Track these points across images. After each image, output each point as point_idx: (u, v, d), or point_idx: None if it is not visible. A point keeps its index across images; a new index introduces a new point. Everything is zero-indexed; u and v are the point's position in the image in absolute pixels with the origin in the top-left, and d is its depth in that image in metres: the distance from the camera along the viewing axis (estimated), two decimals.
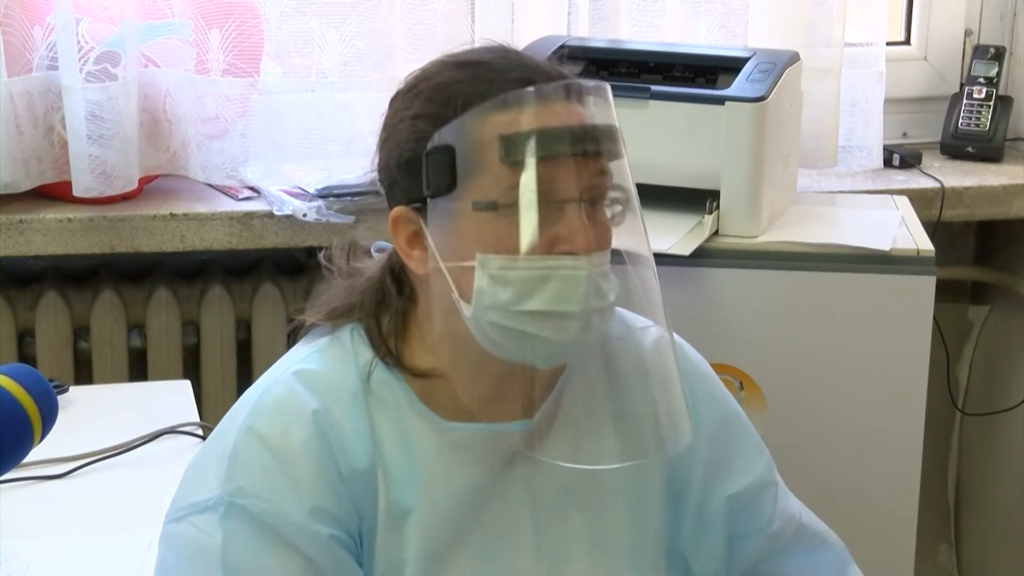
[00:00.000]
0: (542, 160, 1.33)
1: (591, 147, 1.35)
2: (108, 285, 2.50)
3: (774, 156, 2.28)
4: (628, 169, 1.40)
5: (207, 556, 1.38)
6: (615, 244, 1.39)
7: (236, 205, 2.46)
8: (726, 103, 2.23)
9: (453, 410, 1.43)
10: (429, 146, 1.36)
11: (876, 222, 2.34)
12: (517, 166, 1.34)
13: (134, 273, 2.55)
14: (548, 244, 1.34)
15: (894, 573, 2.28)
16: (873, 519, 2.24)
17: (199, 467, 1.44)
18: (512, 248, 1.34)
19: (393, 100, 1.44)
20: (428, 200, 1.37)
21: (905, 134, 2.89)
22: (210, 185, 2.51)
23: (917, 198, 2.56)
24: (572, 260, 1.34)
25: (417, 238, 1.40)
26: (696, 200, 2.26)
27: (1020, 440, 2.88)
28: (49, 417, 1.36)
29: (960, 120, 2.82)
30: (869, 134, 2.73)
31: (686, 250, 2.16)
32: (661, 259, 2.08)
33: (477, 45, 1.47)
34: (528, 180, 1.33)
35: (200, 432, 1.98)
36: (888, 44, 2.74)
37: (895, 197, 2.50)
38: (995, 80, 2.81)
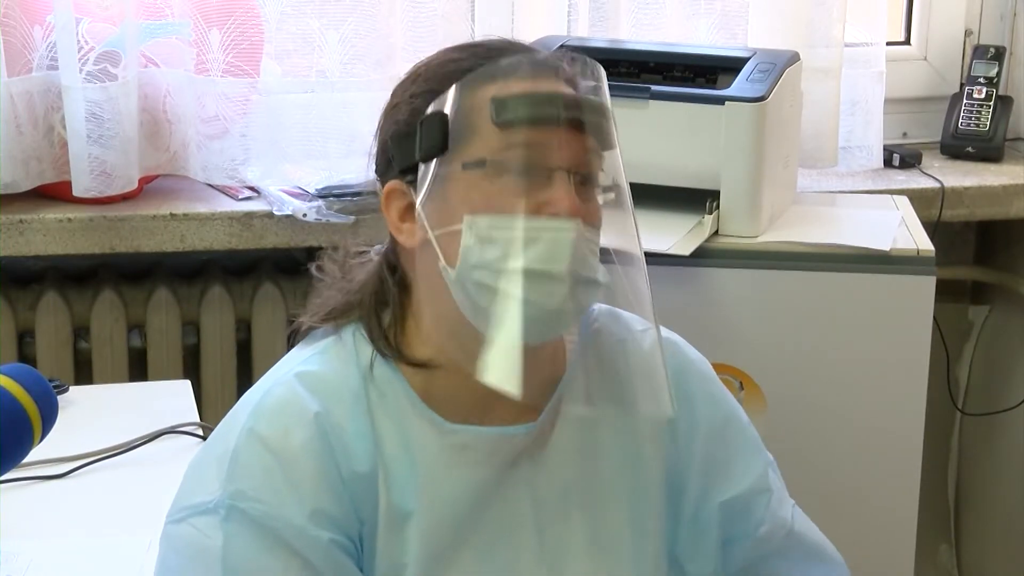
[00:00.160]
0: (532, 122, 1.35)
1: (582, 117, 1.36)
2: (108, 285, 2.50)
3: (774, 156, 2.28)
4: (621, 164, 1.41)
5: (208, 558, 1.38)
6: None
7: (236, 205, 2.45)
8: (726, 103, 2.23)
9: (455, 410, 1.43)
10: (423, 116, 1.38)
11: (876, 222, 2.34)
12: (507, 127, 1.35)
13: (134, 273, 2.55)
14: (535, 207, 1.34)
15: (894, 573, 2.28)
16: (873, 519, 2.24)
17: (200, 467, 1.44)
18: (500, 208, 1.34)
19: (394, 90, 1.45)
20: (420, 168, 1.38)
21: (905, 134, 2.89)
22: (210, 185, 2.51)
23: (917, 198, 2.55)
24: (559, 222, 1.34)
25: (409, 211, 1.40)
26: (696, 200, 2.26)
27: (1020, 440, 2.88)
28: (49, 417, 1.36)
29: (960, 120, 2.82)
30: (869, 134, 2.73)
31: (686, 250, 2.16)
32: (661, 259, 2.12)
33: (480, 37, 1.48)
34: (517, 140, 1.35)
35: (200, 432, 1.98)
36: (888, 44, 2.74)
37: (895, 197, 2.50)
38: (995, 80, 2.81)
